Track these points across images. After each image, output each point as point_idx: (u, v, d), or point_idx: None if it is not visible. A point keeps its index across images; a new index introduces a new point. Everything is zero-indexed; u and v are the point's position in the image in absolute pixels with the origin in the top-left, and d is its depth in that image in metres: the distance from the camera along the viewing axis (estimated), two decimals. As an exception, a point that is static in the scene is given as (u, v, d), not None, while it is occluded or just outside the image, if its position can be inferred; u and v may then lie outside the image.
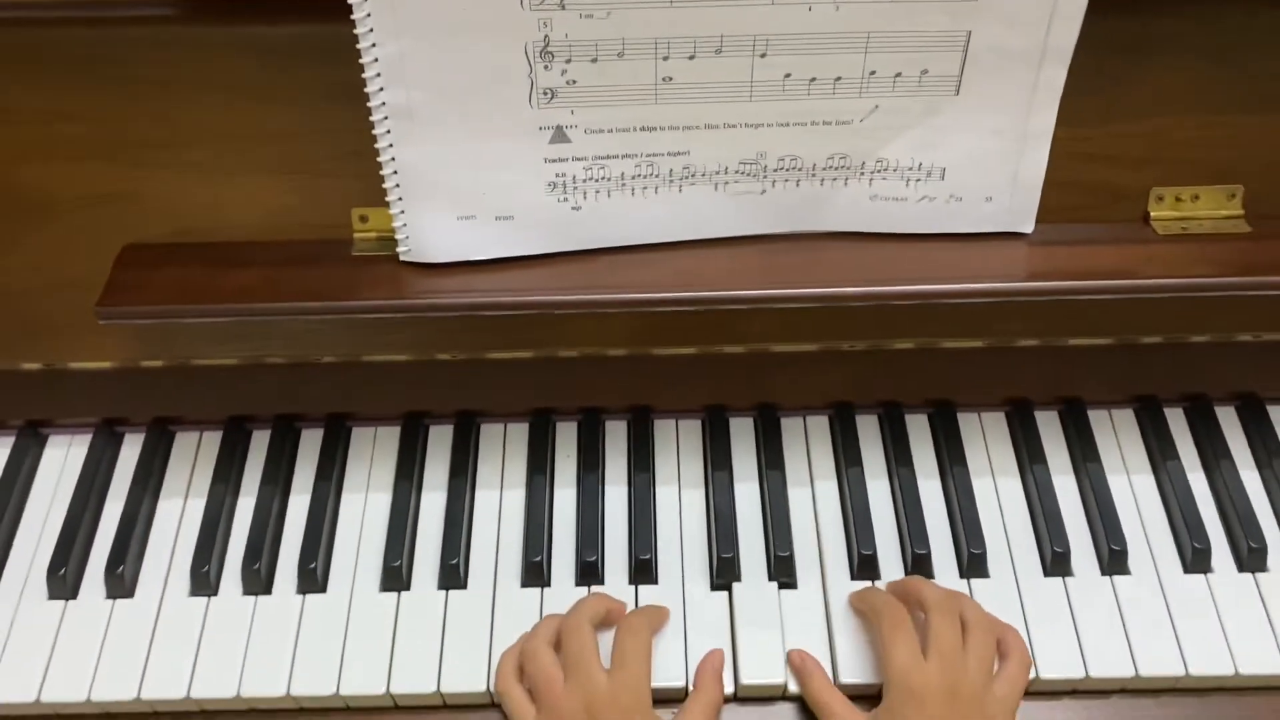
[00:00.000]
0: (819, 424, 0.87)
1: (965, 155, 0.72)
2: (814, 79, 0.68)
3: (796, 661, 0.73)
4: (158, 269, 0.74)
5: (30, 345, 0.80)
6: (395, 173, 0.70)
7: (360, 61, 0.65)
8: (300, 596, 0.77)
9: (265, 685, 0.73)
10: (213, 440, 0.86)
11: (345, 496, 0.83)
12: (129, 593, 0.78)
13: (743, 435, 0.86)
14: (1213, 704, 0.74)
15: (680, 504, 0.82)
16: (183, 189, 0.75)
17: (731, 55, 0.67)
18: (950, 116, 0.70)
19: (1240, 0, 0.70)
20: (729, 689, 0.73)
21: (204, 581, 0.78)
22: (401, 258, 0.73)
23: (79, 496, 0.83)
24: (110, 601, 0.77)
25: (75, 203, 0.76)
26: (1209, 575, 0.78)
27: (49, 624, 0.76)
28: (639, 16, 0.65)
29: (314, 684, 0.73)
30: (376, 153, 0.69)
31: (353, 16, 0.64)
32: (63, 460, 0.86)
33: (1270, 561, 0.78)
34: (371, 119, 0.68)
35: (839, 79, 0.68)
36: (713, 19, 0.65)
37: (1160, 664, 0.73)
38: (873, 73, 0.68)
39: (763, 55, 0.67)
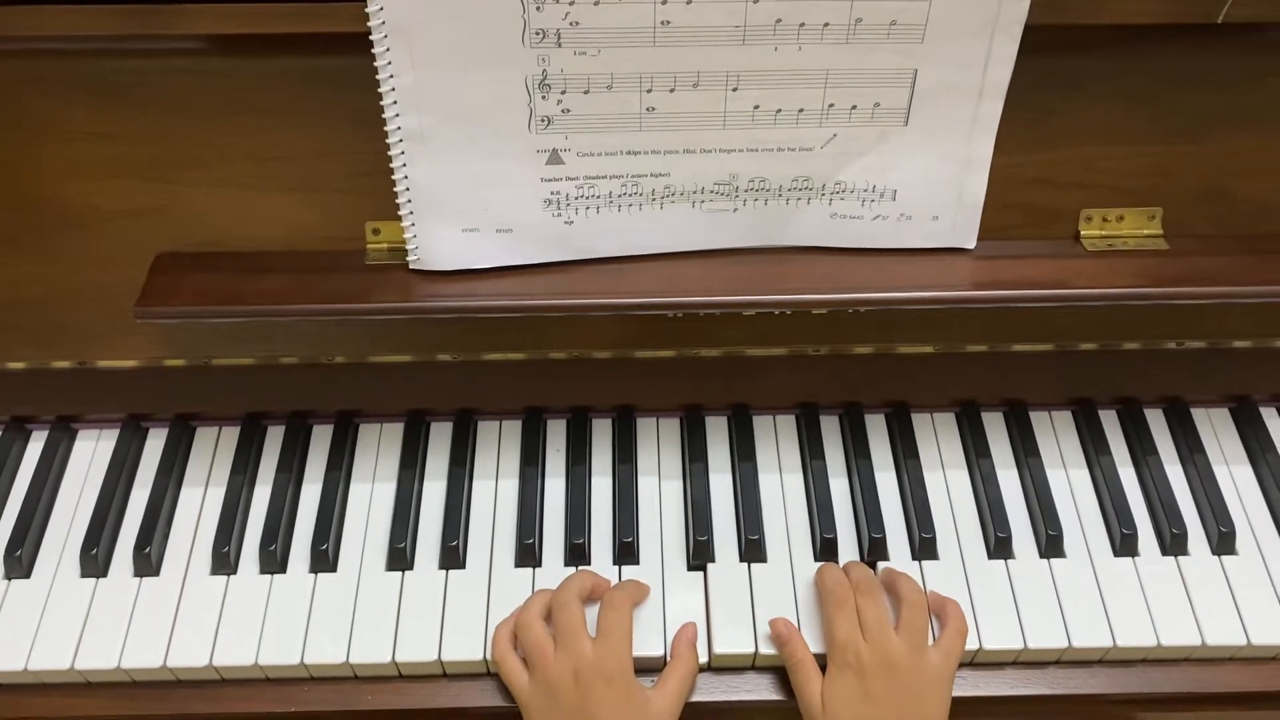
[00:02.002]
0: (787, 422, 0.91)
1: (914, 178, 0.76)
2: (780, 110, 0.72)
3: (782, 628, 0.77)
4: (189, 275, 0.77)
5: (63, 345, 0.83)
6: (407, 189, 0.73)
7: (378, 90, 0.69)
8: (313, 575, 0.81)
9: (280, 654, 0.77)
10: (231, 434, 0.89)
11: (353, 486, 0.86)
12: (155, 571, 0.82)
13: (717, 432, 0.90)
14: (1138, 673, 0.78)
15: (660, 493, 0.86)
16: (212, 204, 0.79)
17: (707, 89, 0.71)
18: (900, 144, 0.74)
19: (1156, 44, 0.75)
20: (703, 659, 0.77)
21: (224, 561, 0.81)
22: (411, 266, 0.76)
23: (108, 484, 0.86)
24: (138, 579, 0.81)
25: (112, 216, 0.79)
26: (1136, 558, 0.82)
27: (81, 599, 0.80)
28: (626, 54, 0.69)
29: (325, 653, 0.77)
30: (389, 171, 0.72)
31: (373, 51, 0.67)
32: (92, 452, 0.89)
33: (1190, 546, 0.83)
34: (387, 141, 0.71)
35: (801, 110, 0.72)
36: (690, 57, 0.69)
37: (1091, 637, 0.77)
38: (831, 105, 0.72)
39: (734, 89, 0.71)
